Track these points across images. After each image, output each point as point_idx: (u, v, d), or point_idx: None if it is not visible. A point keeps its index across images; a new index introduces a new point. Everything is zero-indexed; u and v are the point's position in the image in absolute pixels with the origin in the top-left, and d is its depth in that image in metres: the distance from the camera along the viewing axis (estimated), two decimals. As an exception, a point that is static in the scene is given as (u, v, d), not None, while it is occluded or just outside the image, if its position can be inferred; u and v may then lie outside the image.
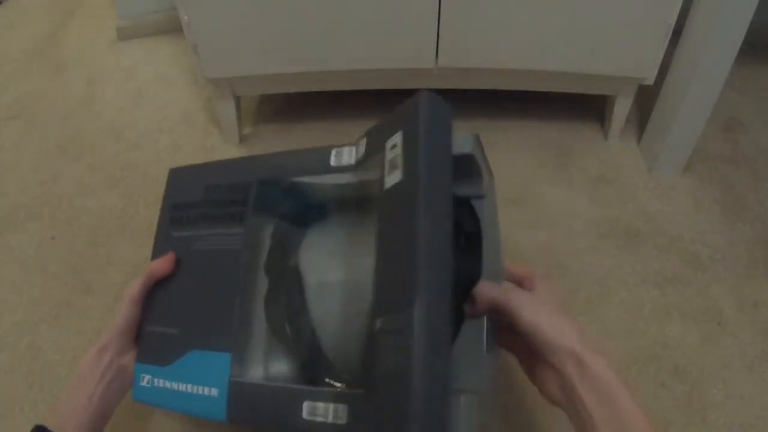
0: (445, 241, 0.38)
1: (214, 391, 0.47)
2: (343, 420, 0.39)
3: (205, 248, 0.52)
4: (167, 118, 1.07)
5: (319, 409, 0.41)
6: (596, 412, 0.35)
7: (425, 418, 0.33)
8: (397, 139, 0.41)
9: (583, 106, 1.00)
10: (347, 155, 0.48)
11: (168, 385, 0.49)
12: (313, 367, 0.47)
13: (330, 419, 0.40)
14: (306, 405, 0.42)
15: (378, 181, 0.43)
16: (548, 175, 0.90)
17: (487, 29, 0.80)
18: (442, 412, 0.35)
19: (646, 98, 0.92)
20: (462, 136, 0.42)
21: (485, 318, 0.43)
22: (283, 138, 1.00)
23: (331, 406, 0.41)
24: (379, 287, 0.39)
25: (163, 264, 0.53)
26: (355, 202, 0.48)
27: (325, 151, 0.49)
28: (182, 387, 0.48)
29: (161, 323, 0.52)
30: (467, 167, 0.44)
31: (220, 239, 0.51)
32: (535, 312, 0.39)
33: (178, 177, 0.59)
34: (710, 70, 0.76)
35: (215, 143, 1.00)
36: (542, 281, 0.44)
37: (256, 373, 0.48)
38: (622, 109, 0.91)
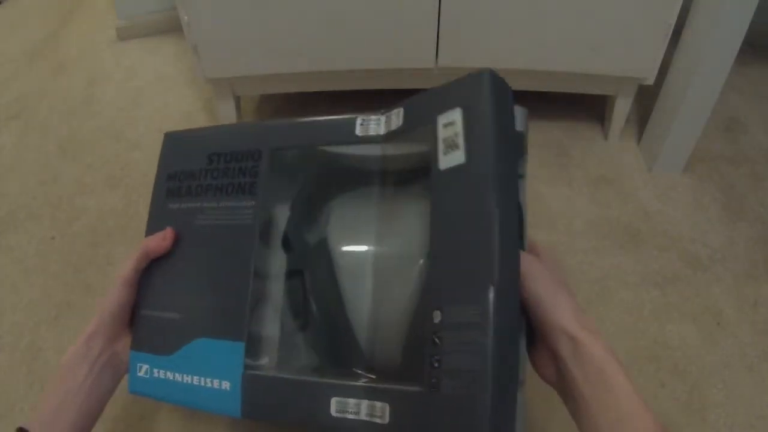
0: (516, 231, 0.36)
1: (226, 384, 0.43)
2: (383, 419, 0.36)
3: (209, 222, 0.47)
4: (167, 118, 1.07)
5: (350, 406, 0.38)
6: (590, 394, 0.33)
7: (499, 419, 0.32)
8: (455, 116, 0.38)
9: (583, 106, 1.00)
10: (375, 125, 0.44)
11: (170, 376, 0.45)
12: (342, 354, 0.43)
13: (363, 416, 0.37)
14: (335, 401, 0.38)
15: (416, 155, 0.40)
16: (548, 175, 0.90)
17: (487, 29, 0.80)
18: (513, 411, 0.33)
19: (646, 98, 0.92)
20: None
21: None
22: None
23: (365, 402, 0.37)
24: (437, 276, 0.36)
25: (160, 241, 0.47)
26: (385, 174, 0.45)
27: (350, 120, 0.45)
28: (188, 379, 0.44)
29: (159, 307, 0.47)
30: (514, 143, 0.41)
31: (228, 212, 0.46)
32: (539, 283, 0.36)
33: (175, 142, 0.52)
34: (710, 70, 0.76)
35: (215, 143, 1.00)
36: (547, 250, 0.42)
37: (272, 362, 0.44)
38: (622, 109, 0.91)
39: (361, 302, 0.43)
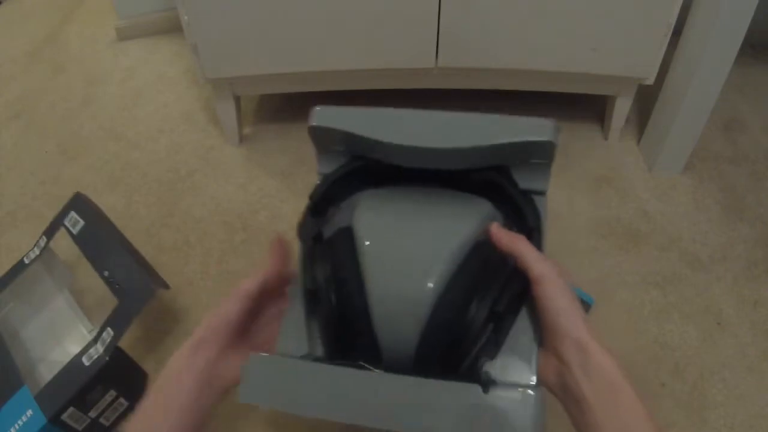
0: None
1: None
2: None
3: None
4: (167, 118, 1.07)
5: None
6: (594, 400, 0.34)
7: None
8: None
9: (583, 106, 1.00)
10: None
11: None
12: (354, 345, 0.41)
13: None
14: None
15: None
16: (548, 175, 0.90)
17: (487, 29, 0.80)
18: None
19: (646, 98, 0.92)
20: (542, 121, 0.39)
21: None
22: (283, 138, 1.00)
23: None
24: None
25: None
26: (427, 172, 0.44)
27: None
28: None
29: None
30: (542, 155, 0.42)
31: None
32: (559, 293, 0.37)
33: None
34: (710, 70, 0.76)
35: (215, 143, 1.00)
36: (560, 264, 0.42)
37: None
38: (622, 109, 0.91)
39: (382, 292, 0.41)
